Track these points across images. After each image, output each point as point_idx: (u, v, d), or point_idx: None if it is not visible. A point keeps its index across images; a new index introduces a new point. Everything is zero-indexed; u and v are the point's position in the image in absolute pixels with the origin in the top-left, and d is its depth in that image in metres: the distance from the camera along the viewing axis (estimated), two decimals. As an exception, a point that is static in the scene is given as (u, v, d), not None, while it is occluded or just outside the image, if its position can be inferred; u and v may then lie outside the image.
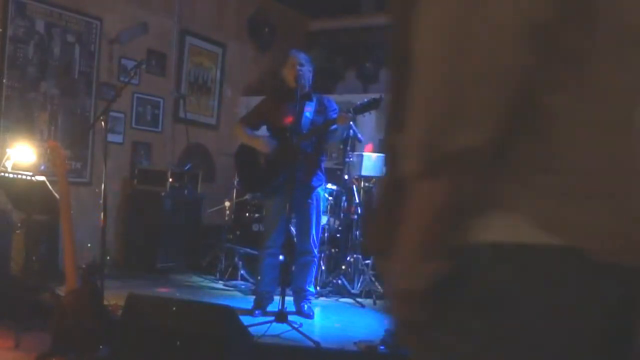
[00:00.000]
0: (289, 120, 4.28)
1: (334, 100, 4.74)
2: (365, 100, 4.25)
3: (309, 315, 4.39)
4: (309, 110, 4.35)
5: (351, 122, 4.95)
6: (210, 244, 6.24)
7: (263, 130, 4.59)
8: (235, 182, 5.93)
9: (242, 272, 5.62)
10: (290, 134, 4.22)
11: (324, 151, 4.64)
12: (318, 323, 4.30)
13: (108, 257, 5.90)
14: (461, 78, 0.76)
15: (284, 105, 4.38)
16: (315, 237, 4.48)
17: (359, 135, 5.38)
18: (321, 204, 4.64)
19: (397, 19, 0.91)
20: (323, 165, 4.55)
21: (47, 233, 4.72)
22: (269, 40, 7.94)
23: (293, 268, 4.62)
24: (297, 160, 4.17)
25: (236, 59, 7.66)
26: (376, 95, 4.23)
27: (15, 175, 4.62)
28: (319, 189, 4.52)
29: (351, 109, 4.26)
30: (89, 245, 3.62)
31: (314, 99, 4.43)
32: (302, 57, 4.42)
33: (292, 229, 4.71)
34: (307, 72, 4.39)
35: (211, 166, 7.20)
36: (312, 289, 4.60)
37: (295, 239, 4.63)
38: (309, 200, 4.40)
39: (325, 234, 5.37)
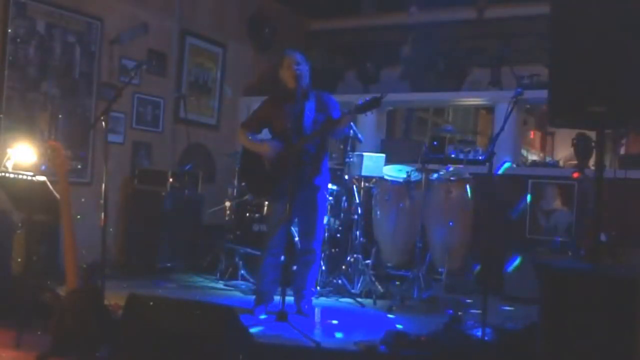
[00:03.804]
0: (290, 121, 4.26)
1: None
2: (367, 99, 4.22)
3: (309, 315, 4.40)
4: (309, 109, 4.34)
5: (351, 122, 4.97)
6: (210, 244, 6.25)
7: (265, 133, 4.57)
8: (235, 183, 5.94)
9: (242, 272, 5.62)
10: (293, 135, 4.22)
11: (327, 149, 4.62)
12: (318, 323, 4.30)
13: (115, 259, 5.92)
14: None
15: (284, 107, 4.37)
16: (318, 237, 4.47)
17: (359, 135, 5.39)
18: (326, 202, 4.61)
19: None
20: (327, 163, 4.54)
21: (47, 233, 4.72)
22: (269, 40, 7.94)
23: (294, 267, 4.62)
24: (301, 162, 4.18)
25: (236, 59, 7.66)
26: (376, 94, 4.20)
27: (15, 175, 4.63)
28: (323, 189, 4.51)
29: (352, 109, 4.25)
30: (83, 252, 3.62)
31: (313, 97, 4.42)
32: (297, 56, 4.42)
33: (292, 229, 4.70)
34: (305, 70, 4.38)
35: (211, 166, 7.20)
36: (313, 288, 4.60)
37: (297, 239, 4.62)
38: (313, 199, 4.40)
39: (325, 234, 5.37)
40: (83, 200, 5.39)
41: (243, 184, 5.60)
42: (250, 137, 4.46)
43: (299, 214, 4.40)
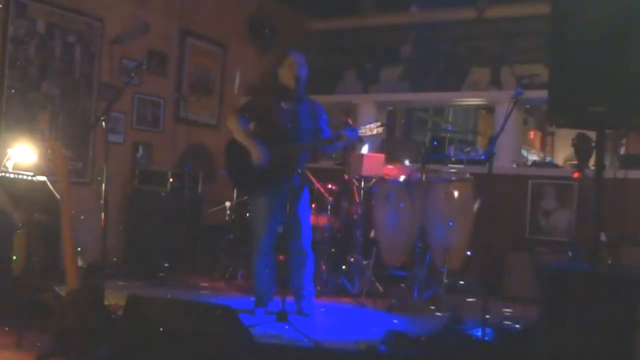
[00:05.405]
0: (289, 121, 4.26)
1: (334, 101, 4.75)
2: (370, 121, 4.38)
3: (309, 315, 4.40)
4: (302, 113, 4.35)
5: (350, 121, 5.00)
6: (210, 244, 6.25)
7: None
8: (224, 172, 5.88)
9: (242, 272, 5.62)
10: (288, 137, 4.22)
11: (313, 155, 4.67)
12: (318, 323, 4.31)
13: (115, 259, 5.92)
14: None
15: (282, 105, 4.37)
16: (306, 236, 4.47)
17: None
18: (308, 202, 4.63)
19: None
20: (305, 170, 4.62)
21: (47, 233, 4.72)
22: (269, 40, 7.94)
23: (290, 268, 4.62)
24: (294, 164, 4.19)
25: (237, 59, 7.66)
26: (378, 122, 4.44)
27: (15, 175, 4.63)
28: (305, 190, 4.52)
29: (359, 136, 4.34)
30: (79, 249, 3.62)
31: (306, 102, 4.43)
32: (300, 57, 4.42)
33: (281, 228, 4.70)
34: (304, 73, 4.38)
35: (211, 166, 7.20)
36: (312, 288, 4.61)
37: (289, 239, 4.59)
38: (298, 200, 4.40)
39: (326, 234, 5.37)
40: (83, 199, 5.40)
41: (223, 171, 5.57)
42: (243, 127, 4.42)
43: (285, 215, 4.40)
